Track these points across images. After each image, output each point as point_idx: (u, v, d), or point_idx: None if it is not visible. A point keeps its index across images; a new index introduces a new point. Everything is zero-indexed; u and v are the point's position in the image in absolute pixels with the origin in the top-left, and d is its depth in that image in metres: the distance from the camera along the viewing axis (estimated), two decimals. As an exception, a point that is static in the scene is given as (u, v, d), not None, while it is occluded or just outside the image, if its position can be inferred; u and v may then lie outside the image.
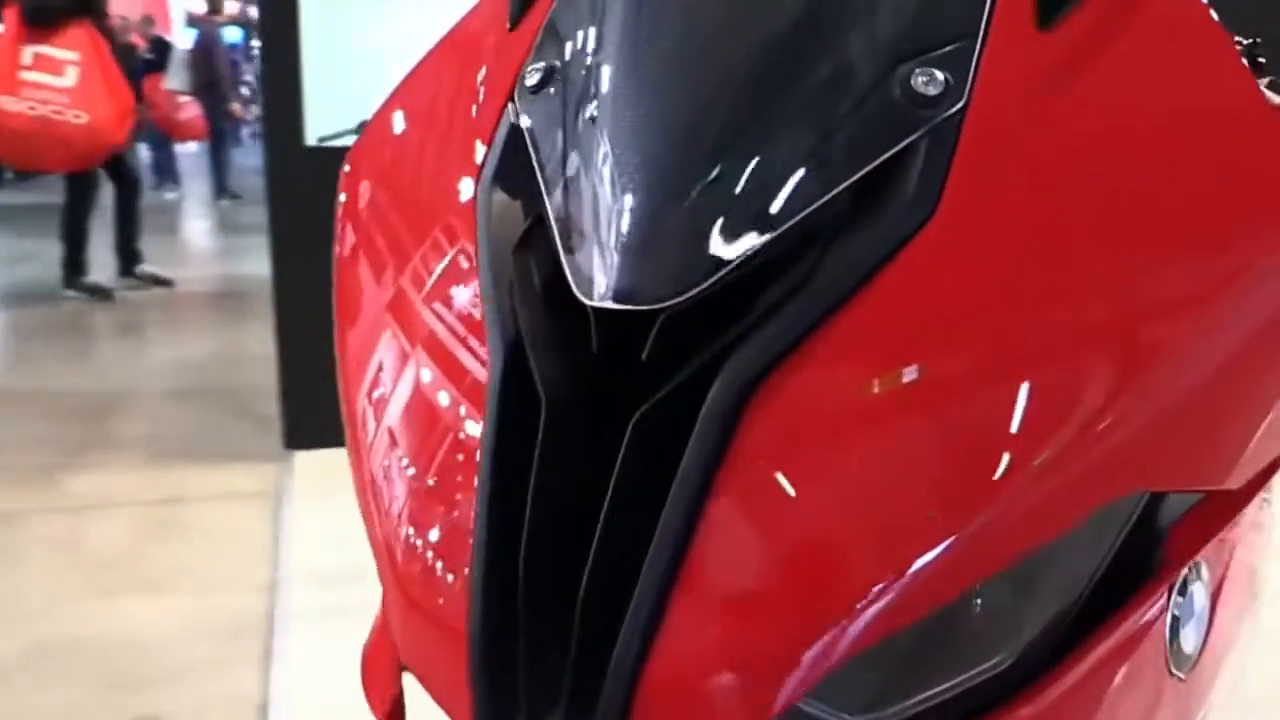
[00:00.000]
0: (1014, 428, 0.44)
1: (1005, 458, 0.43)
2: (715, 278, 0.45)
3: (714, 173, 0.47)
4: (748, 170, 0.47)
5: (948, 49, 0.50)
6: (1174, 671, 0.57)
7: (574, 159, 0.50)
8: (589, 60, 0.53)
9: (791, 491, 0.43)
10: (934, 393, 0.44)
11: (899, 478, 0.43)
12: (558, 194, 0.49)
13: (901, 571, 0.42)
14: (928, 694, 0.48)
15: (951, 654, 0.49)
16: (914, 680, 0.48)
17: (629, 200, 0.47)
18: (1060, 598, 0.51)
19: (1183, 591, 0.57)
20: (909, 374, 0.44)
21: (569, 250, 0.47)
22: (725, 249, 0.45)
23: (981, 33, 0.50)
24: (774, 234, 0.45)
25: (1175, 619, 0.57)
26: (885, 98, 0.49)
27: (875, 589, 0.42)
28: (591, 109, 0.50)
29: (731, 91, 0.49)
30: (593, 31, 0.53)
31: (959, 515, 0.43)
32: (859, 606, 0.42)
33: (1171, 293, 0.48)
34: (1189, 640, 0.58)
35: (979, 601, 0.49)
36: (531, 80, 0.55)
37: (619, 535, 0.43)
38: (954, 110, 0.48)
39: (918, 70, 0.49)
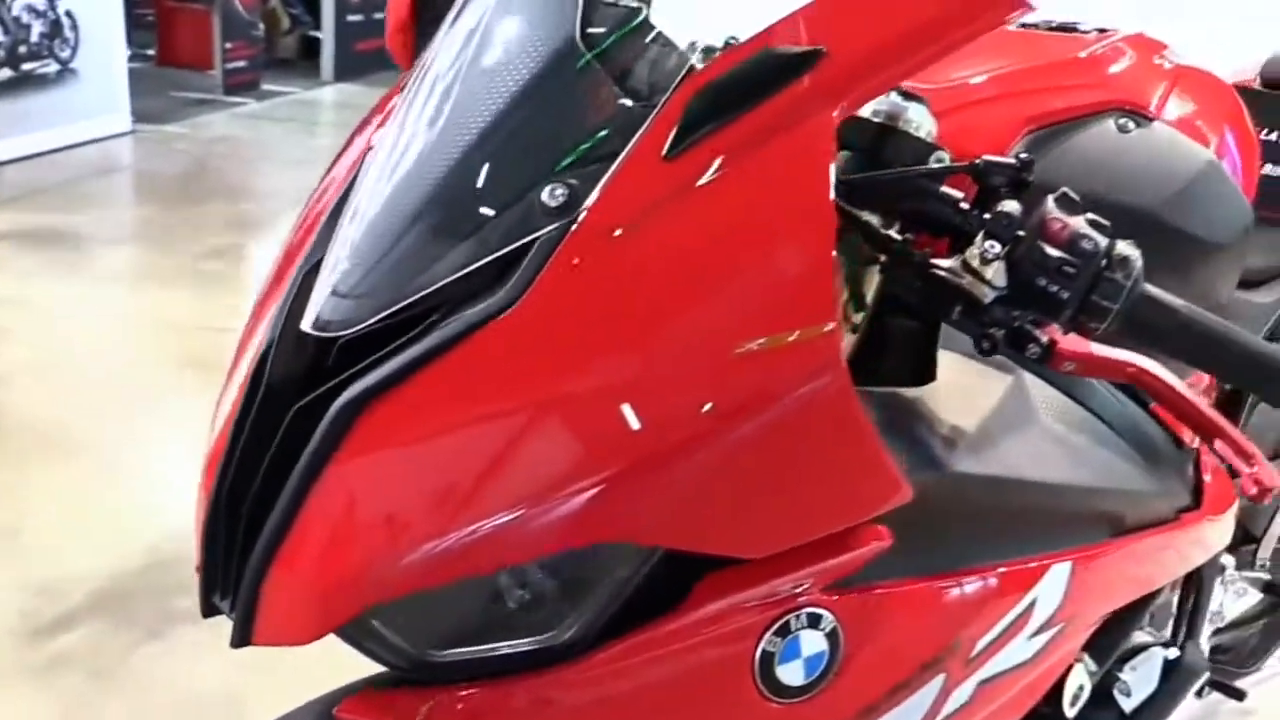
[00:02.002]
0: (526, 460, 0.60)
1: (512, 477, 0.60)
2: (368, 324, 0.65)
3: (393, 242, 0.66)
4: (413, 244, 0.66)
5: (589, 169, 0.64)
6: (770, 697, 0.69)
7: (348, 210, 0.71)
8: (389, 127, 0.73)
9: (378, 470, 0.63)
10: (478, 423, 0.61)
11: (445, 464, 0.61)
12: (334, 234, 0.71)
13: (443, 535, 0.61)
14: (485, 647, 0.66)
15: (508, 617, 0.66)
16: (475, 634, 0.66)
17: (343, 255, 0.68)
18: (607, 595, 0.65)
19: (783, 633, 0.68)
20: (463, 412, 0.62)
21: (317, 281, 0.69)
22: (382, 303, 0.65)
23: (620, 159, 0.63)
24: (414, 298, 0.64)
25: (769, 654, 0.68)
26: (527, 204, 0.64)
27: (425, 544, 0.61)
28: (369, 172, 0.71)
29: (431, 180, 0.67)
30: (402, 101, 0.73)
31: (473, 510, 0.60)
32: (409, 554, 0.61)
33: (692, 382, 0.60)
34: (792, 674, 0.69)
35: (537, 579, 0.66)
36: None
37: (272, 485, 0.65)
38: (567, 221, 0.63)
39: (555, 184, 0.64)
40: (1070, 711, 0.95)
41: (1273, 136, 1.43)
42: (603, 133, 0.65)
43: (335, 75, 7.61)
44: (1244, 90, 1.54)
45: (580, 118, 0.66)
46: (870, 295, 0.77)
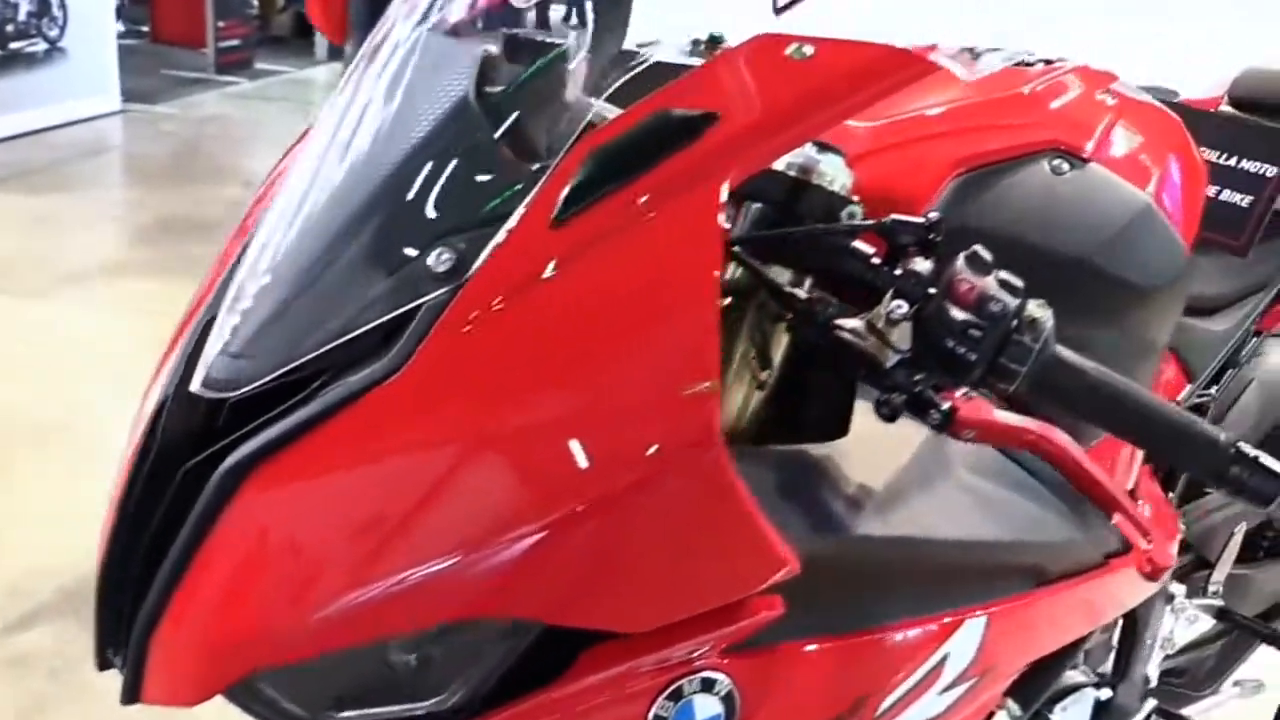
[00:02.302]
0: (402, 532, 0.59)
1: (389, 549, 0.59)
2: (256, 385, 0.64)
3: (284, 302, 0.65)
4: (303, 305, 0.65)
5: (478, 232, 0.63)
6: None
7: (244, 262, 0.70)
8: (290, 173, 0.72)
9: (259, 536, 0.62)
10: (356, 494, 0.61)
11: (322, 533, 0.61)
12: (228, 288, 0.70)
13: (322, 604, 0.60)
14: (373, 711, 0.65)
15: (396, 682, 0.66)
16: (364, 698, 0.66)
17: (235, 312, 0.67)
18: (492, 663, 0.65)
19: (675, 697, 0.68)
20: (341, 481, 0.61)
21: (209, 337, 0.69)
22: (270, 365, 0.64)
23: (508, 225, 0.62)
24: (301, 361, 0.63)
25: (661, 718, 0.68)
26: (414, 267, 0.63)
27: (306, 612, 0.61)
28: (264, 222, 0.70)
29: (323, 237, 0.66)
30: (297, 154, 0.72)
31: (352, 580, 0.60)
32: (290, 621, 0.61)
33: (569, 456, 0.59)
34: (686, 736, 0.68)
35: (424, 645, 0.65)
36: None
37: (162, 545, 0.65)
38: (452, 287, 0.62)
39: (442, 248, 0.63)
40: None
41: (1231, 161, 1.41)
42: (494, 195, 0.64)
43: (330, 54, 7.55)
44: (1199, 113, 1.52)
45: (472, 178, 0.65)
46: (780, 353, 0.76)
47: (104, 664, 0.70)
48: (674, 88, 0.64)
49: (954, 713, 0.83)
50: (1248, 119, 1.51)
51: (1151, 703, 1.44)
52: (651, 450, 0.58)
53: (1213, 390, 1.45)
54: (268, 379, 0.63)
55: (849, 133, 0.93)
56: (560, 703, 0.65)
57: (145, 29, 7.35)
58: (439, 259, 0.63)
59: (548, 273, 0.61)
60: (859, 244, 0.74)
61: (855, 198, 0.75)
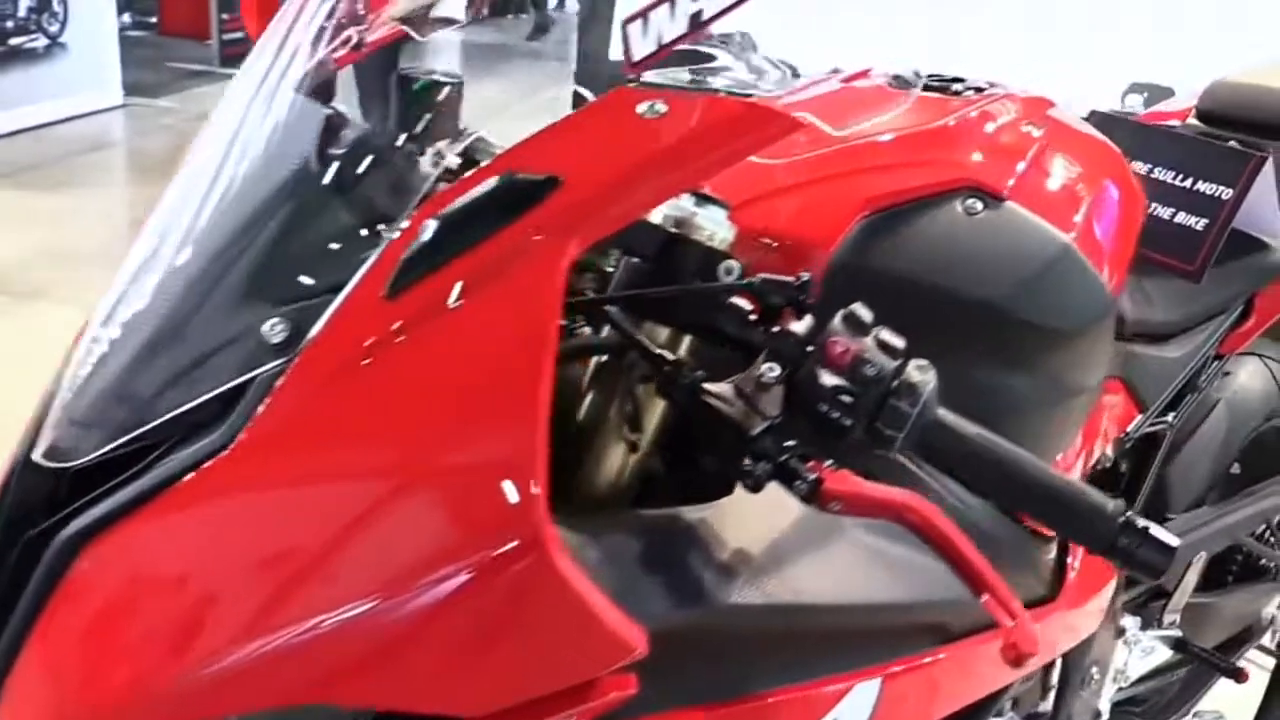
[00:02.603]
0: (225, 612, 0.57)
1: (210, 630, 0.57)
2: (95, 455, 0.62)
3: (126, 370, 0.63)
4: (143, 374, 0.63)
5: (314, 303, 0.60)
6: None
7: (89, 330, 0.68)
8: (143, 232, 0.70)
9: (92, 610, 0.61)
10: (182, 571, 0.59)
11: (150, 610, 0.59)
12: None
13: (147, 684, 0.58)
14: None
15: None
16: None
17: (78, 379, 0.65)
18: None
19: None
20: (169, 557, 0.59)
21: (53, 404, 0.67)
22: (109, 434, 0.62)
23: (342, 295, 0.60)
24: (139, 431, 0.61)
25: None
26: (251, 337, 0.61)
27: (134, 691, 0.58)
28: (114, 288, 0.68)
29: (166, 303, 0.64)
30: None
31: (176, 662, 0.58)
32: (120, 699, 0.59)
33: (394, 537, 0.57)
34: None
35: None
36: None
37: (4, 615, 0.63)
38: (286, 359, 0.59)
39: (278, 319, 0.61)
40: None
41: (1187, 183, 1.36)
42: (331, 264, 0.62)
43: (334, 47, 7.52)
44: (1157, 132, 1.47)
45: (312, 246, 0.63)
46: (654, 415, 0.74)
47: None
48: (517, 149, 0.61)
49: None
50: (1206, 140, 1.46)
51: None
52: (473, 540, 0.56)
53: (1169, 417, 1.41)
54: (107, 449, 0.62)
55: (751, 171, 0.90)
56: None
57: (154, 20, 7.35)
58: (274, 329, 0.61)
59: (379, 347, 0.58)
60: (737, 301, 0.71)
61: (732, 254, 0.72)
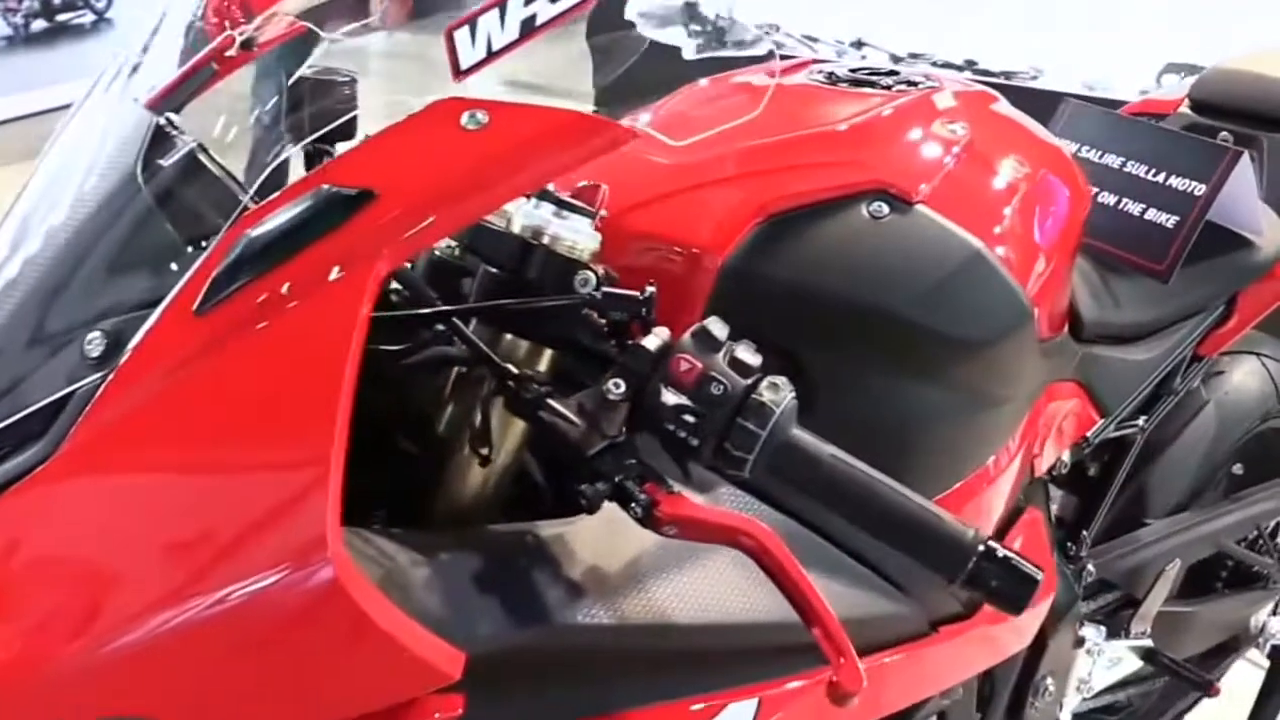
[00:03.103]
0: (48, 625, 0.58)
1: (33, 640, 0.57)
2: None
3: None
4: None
5: (133, 317, 0.60)
6: None
7: None
8: None
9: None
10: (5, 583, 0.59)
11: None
12: None
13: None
14: None
15: None
16: None
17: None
18: None
19: None
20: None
21: None
22: None
23: (157, 311, 0.59)
24: None
25: None
26: (75, 350, 0.61)
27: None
28: None
29: (16, 308, 0.64)
30: None
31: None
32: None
33: (193, 556, 0.56)
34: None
35: None
36: None
37: None
38: (103, 373, 0.59)
39: (96, 333, 0.60)
40: None
41: (1159, 178, 1.30)
42: (150, 278, 0.61)
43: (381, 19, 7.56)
44: (1129, 123, 1.41)
45: (132, 259, 0.63)
46: (509, 429, 0.72)
47: None
48: (336, 162, 0.60)
49: None
50: (1183, 133, 1.40)
51: None
52: (265, 560, 0.55)
53: (1140, 421, 1.36)
54: None
55: (644, 172, 0.88)
56: None
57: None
58: (91, 344, 0.60)
59: (188, 364, 0.58)
60: (591, 314, 0.69)
61: (596, 263, 0.70)
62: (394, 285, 0.74)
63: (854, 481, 0.65)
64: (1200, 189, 1.25)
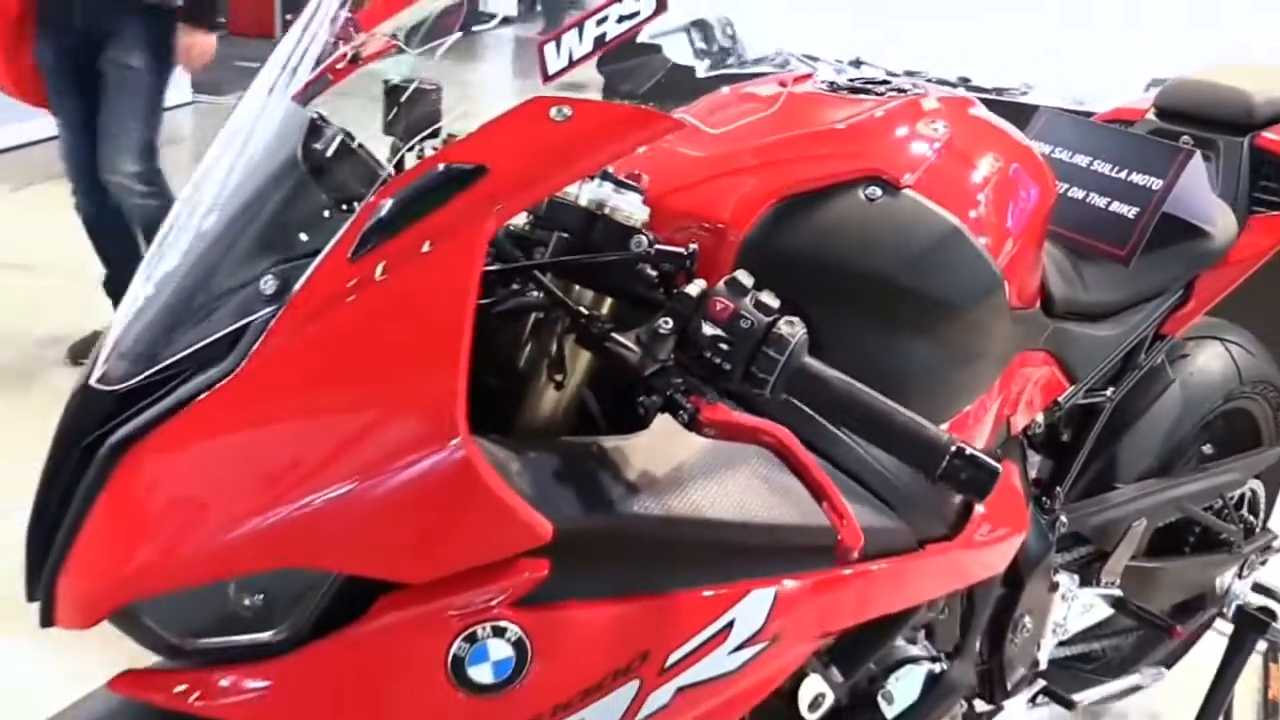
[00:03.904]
0: (231, 497, 0.76)
1: (222, 510, 0.75)
2: (134, 381, 0.80)
3: (158, 314, 0.82)
4: (170, 317, 0.81)
5: (298, 263, 0.78)
6: (463, 691, 0.83)
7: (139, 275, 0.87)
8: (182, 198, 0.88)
9: (131, 501, 0.79)
10: (199, 468, 0.77)
11: (174, 499, 0.77)
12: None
13: (173, 551, 0.77)
14: (222, 640, 0.82)
15: (240, 617, 0.82)
16: (215, 629, 0.82)
17: (125, 319, 0.84)
18: (310, 604, 0.80)
19: (471, 640, 0.82)
20: (188, 459, 0.77)
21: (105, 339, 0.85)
22: (144, 365, 0.81)
23: (319, 258, 0.77)
24: (166, 363, 0.80)
25: (459, 657, 0.83)
26: (251, 290, 0.79)
27: (163, 557, 0.77)
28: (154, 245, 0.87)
29: (189, 263, 0.82)
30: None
31: (194, 535, 0.76)
32: (153, 565, 0.77)
33: (350, 438, 0.75)
34: (481, 674, 0.83)
35: (261, 587, 0.81)
36: None
37: (65, 508, 0.82)
38: (276, 307, 0.77)
39: (270, 275, 0.78)
40: (810, 716, 1.07)
41: (1122, 174, 1.48)
42: (312, 234, 0.79)
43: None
44: (1097, 129, 1.59)
45: (298, 220, 0.81)
46: (579, 361, 0.90)
47: (31, 597, 0.88)
48: (455, 145, 0.78)
49: (748, 672, 0.96)
50: (1144, 136, 1.58)
51: (1040, 684, 1.54)
52: (410, 444, 0.73)
53: (1109, 391, 1.53)
54: (141, 378, 0.80)
55: (680, 163, 1.06)
56: (363, 640, 0.80)
57: (223, 20, 7.70)
58: (267, 284, 0.78)
59: (344, 298, 0.76)
60: (645, 269, 0.87)
61: (646, 230, 0.88)
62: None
63: (854, 398, 0.83)
64: (1158, 184, 1.43)
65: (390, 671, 0.82)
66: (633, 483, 0.88)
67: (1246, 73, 1.72)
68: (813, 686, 1.07)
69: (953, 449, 0.82)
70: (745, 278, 0.84)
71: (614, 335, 0.85)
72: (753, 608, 0.94)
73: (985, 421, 1.20)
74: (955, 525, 1.14)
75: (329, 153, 0.83)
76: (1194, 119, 1.68)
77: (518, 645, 0.84)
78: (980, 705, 1.48)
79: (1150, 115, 1.73)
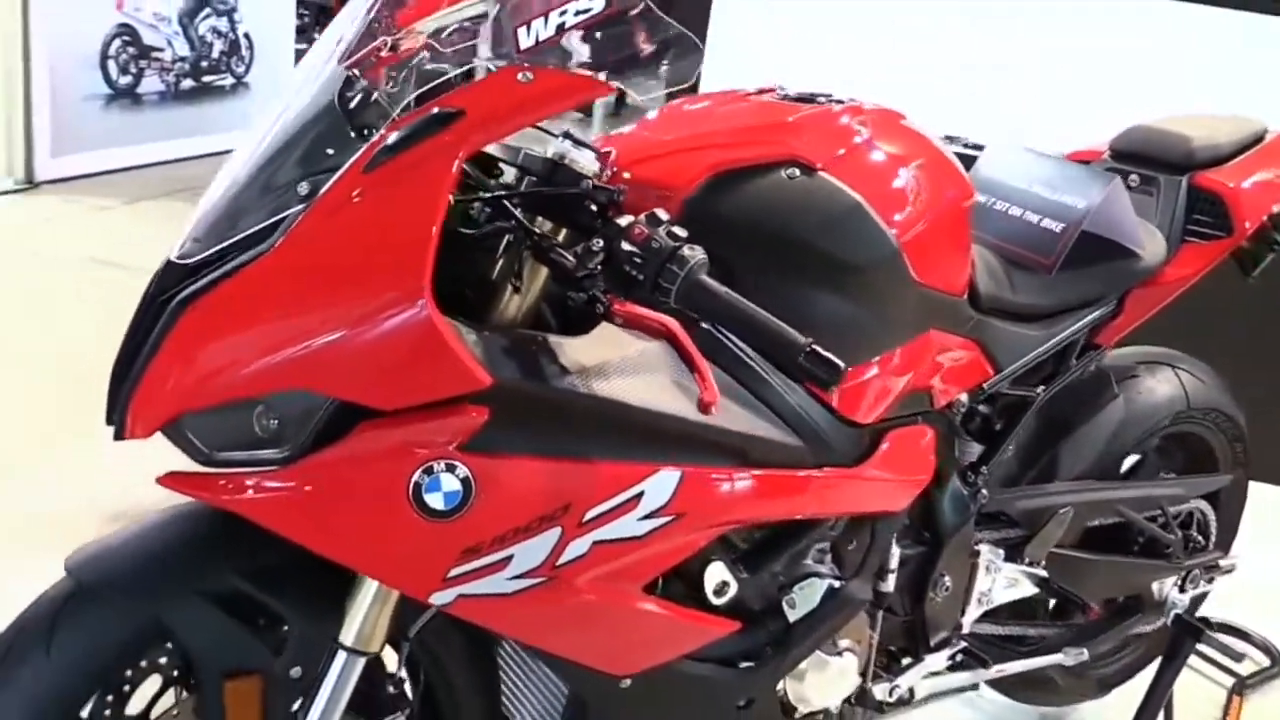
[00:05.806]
0: (260, 337, 1.03)
1: (252, 347, 1.03)
2: (200, 256, 1.09)
3: (223, 207, 1.11)
4: (231, 210, 1.10)
5: (326, 173, 1.06)
6: (421, 514, 1.08)
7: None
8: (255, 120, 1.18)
9: (190, 344, 1.06)
10: (243, 319, 1.04)
11: (223, 342, 1.05)
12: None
13: (214, 377, 1.04)
14: (244, 452, 1.08)
15: (259, 436, 1.08)
16: (240, 445, 1.08)
17: (201, 211, 1.13)
18: (309, 427, 1.07)
19: (429, 472, 1.07)
20: (236, 313, 1.05)
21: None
22: (209, 244, 1.09)
23: (341, 170, 1.05)
24: (225, 244, 1.08)
25: (419, 484, 1.07)
26: (291, 192, 1.07)
27: (203, 383, 1.04)
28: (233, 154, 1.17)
29: (250, 169, 1.11)
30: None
31: (232, 363, 1.03)
32: (194, 388, 1.05)
33: (344, 303, 1.02)
34: (436, 501, 1.08)
35: (275, 411, 1.07)
36: None
37: (150, 329, 1.09)
38: (306, 205, 1.05)
39: (306, 181, 1.06)
40: (716, 600, 1.29)
41: (1055, 196, 1.69)
42: (339, 153, 1.08)
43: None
44: (1042, 158, 1.81)
45: (331, 143, 1.09)
46: (536, 276, 1.16)
47: (109, 420, 1.16)
48: (446, 97, 1.06)
49: (652, 541, 1.18)
50: (1076, 164, 1.80)
51: (960, 644, 1.71)
52: (391, 301, 1.00)
53: (1040, 389, 1.72)
54: (206, 254, 1.09)
55: (635, 140, 1.34)
56: (345, 456, 1.05)
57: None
58: (302, 188, 1.07)
59: (356, 198, 1.04)
60: (589, 205, 1.13)
61: (595, 179, 1.15)
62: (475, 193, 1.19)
63: (737, 308, 1.07)
64: (1082, 204, 1.65)
65: (365, 488, 1.07)
66: (566, 367, 1.13)
67: (1192, 122, 1.93)
68: (717, 573, 1.29)
69: (808, 348, 1.05)
70: (662, 214, 1.09)
71: (559, 250, 1.11)
72: (660, 484, 1.17)
73: (893, 380, 1.41)
74: (855, 459, 1.36)
75: (356, 100, 1.12)
76: (1141, 159, 1.90)
77: (465, 482, 1.08)
78: (906, 661, 1.66)
79: (1106, 156, 1.95)
